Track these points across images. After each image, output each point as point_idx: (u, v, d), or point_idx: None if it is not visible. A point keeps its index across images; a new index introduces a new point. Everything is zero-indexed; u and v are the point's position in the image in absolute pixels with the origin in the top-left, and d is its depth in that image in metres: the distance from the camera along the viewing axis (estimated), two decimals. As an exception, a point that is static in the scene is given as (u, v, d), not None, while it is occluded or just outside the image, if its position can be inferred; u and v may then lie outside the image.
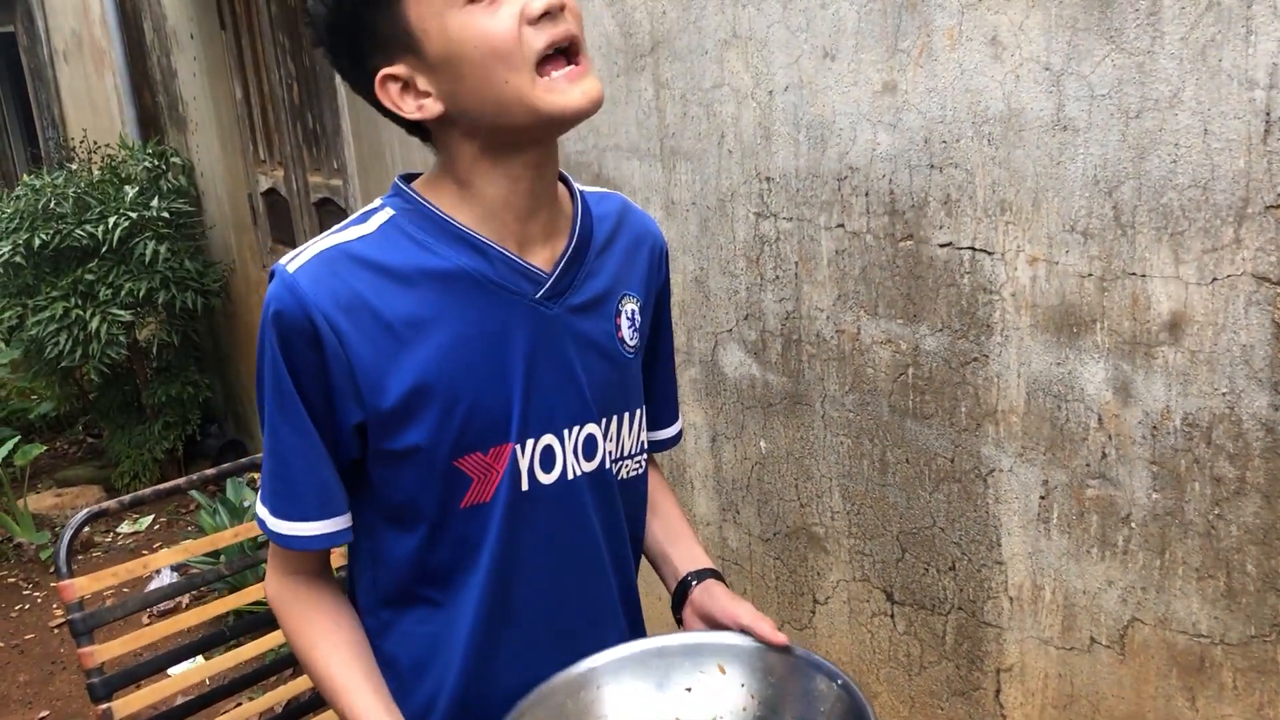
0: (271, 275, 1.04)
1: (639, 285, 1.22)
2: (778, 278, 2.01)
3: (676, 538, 1.33)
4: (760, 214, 2.00)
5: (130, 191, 4.74)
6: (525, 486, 1.11)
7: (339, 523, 1.10)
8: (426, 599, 1.14)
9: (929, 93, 1.63)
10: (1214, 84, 1.31)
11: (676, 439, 1.41)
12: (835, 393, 1.95)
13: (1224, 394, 1.39)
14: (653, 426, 1.35)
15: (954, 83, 1.59)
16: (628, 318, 1.19)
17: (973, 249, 1.64)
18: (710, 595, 1.22)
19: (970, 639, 1.83)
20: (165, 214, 4.83)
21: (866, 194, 1.78)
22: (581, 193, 1.19)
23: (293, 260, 1.04)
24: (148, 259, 4.71)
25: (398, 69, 1.01)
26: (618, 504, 1.22)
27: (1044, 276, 1.55)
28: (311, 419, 1.05)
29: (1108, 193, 1.44)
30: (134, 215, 4.66)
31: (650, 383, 1.31)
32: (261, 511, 1.10)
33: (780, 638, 1.13)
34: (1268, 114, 1.27)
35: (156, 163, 5.21)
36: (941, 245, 1.68)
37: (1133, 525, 1.54)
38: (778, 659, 1.14)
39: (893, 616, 1.97)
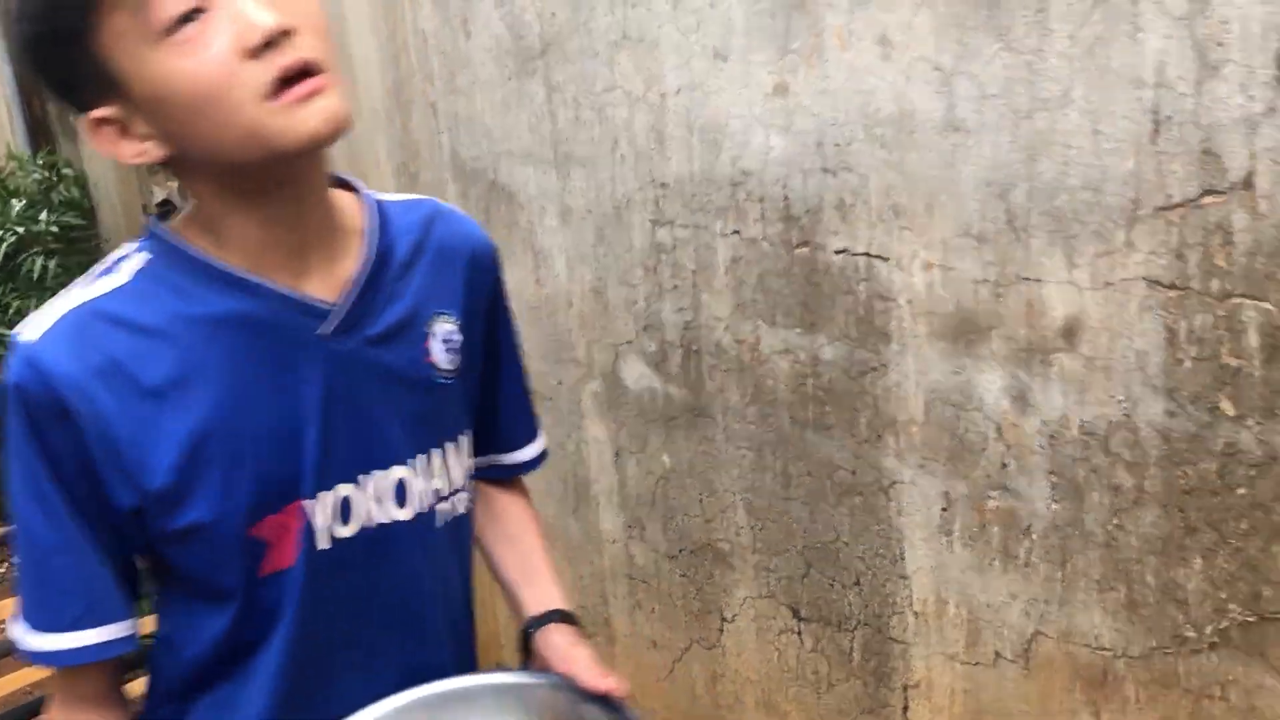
0: (10, 346, 0.92)
1: (454, 301, 1.10)
2: (676, 287, 1.94)
3: (531, 575, 1.23)
4: (656, 221, 1.94)
5: (17, 205, 4.54)
6: (324, 544, 1.00)
7: (117, 630, 0.97)
8: (222, 682, 1.03)
9: (821, 94, 1.58)
10: (1103, 83, 1.27)
11: (540, 459, 1.30)
12: (736, 404, 1.89)
13: (1120, 401, 1.35)
14: (507, 448, 1.26)
15: (845, 84, 1.54)
16: (441, 340, 1.08)
17: (868, 255, 1.59)
18: (548, 644, 1.12)
19: (877, 655, 1.79)
20: (55, 228, 4.63)
21: (761, 199, 1.72)
22: (381, 205, 1.07)
23: (33, 327, 0.92)
24: (36, 275, 4.51)
25: (108, 111, 0.89)
26: (444, 548, 1.12)
27: (939, 283, 1.51)
28: (74, 509, 0.93)
29: (1000, 196, 1.40)
30: (21, 230, 4.46)
31: (493, 403, 1.22)
32: (18, 630, 0.96)
33: (605, 685, 1.03)
34: (1155, 113, 1.23)
35: (47, 174, 5.01)
36: (837, 252, 1.63)
37: (1033, 537, 1.50)
38: (565, 702, 1.05)
39: (800, 634, 1.92)
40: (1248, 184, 1.18)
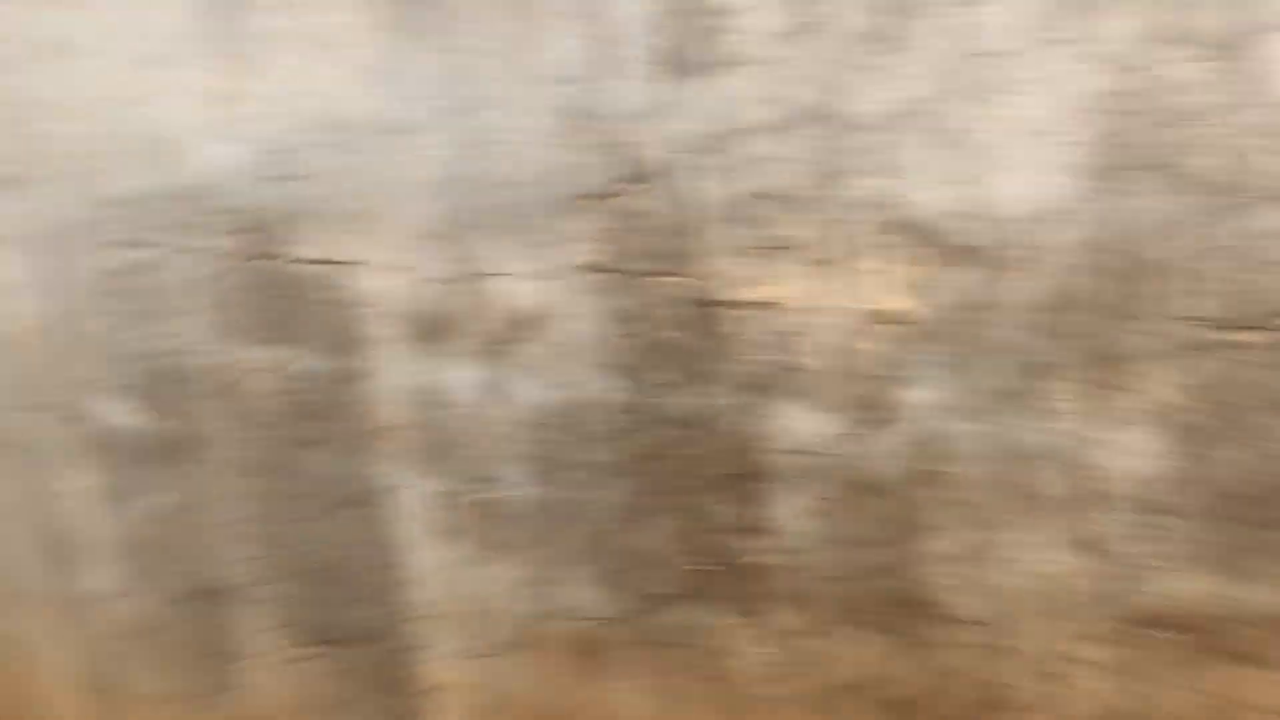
0: None
1: None
2: (144, 313, 1.81)
3: None
4: (114, 243, 1.79)
5: None
6: None
7: None
8: None
9: (266, 100, 1.53)
10: (526, 82, 1.33)
11: None
12: (224, 431, 1.80)
13: (577, 382, 1.43)
14: None
15: (290, 88, 1.51)
16: None
17: (333, 262, 1.57)
18: None
19: (395, 665, 1.77)
20: None
21: (221, 212, 1.64)
22: None
23: None
24: None
25: None
26: None
27: (404, 285, 1.51)
28: None
29: (450, 195, 1.43)
30: None
31: None
32: None
33: None
34: (569, 109, 1.31)
35: None
36: (303, 261, 1.59)
37: (521, 522, 1.55)
38: None
39: (316, 659, 1.85)
40: (653, 171, 1.28)
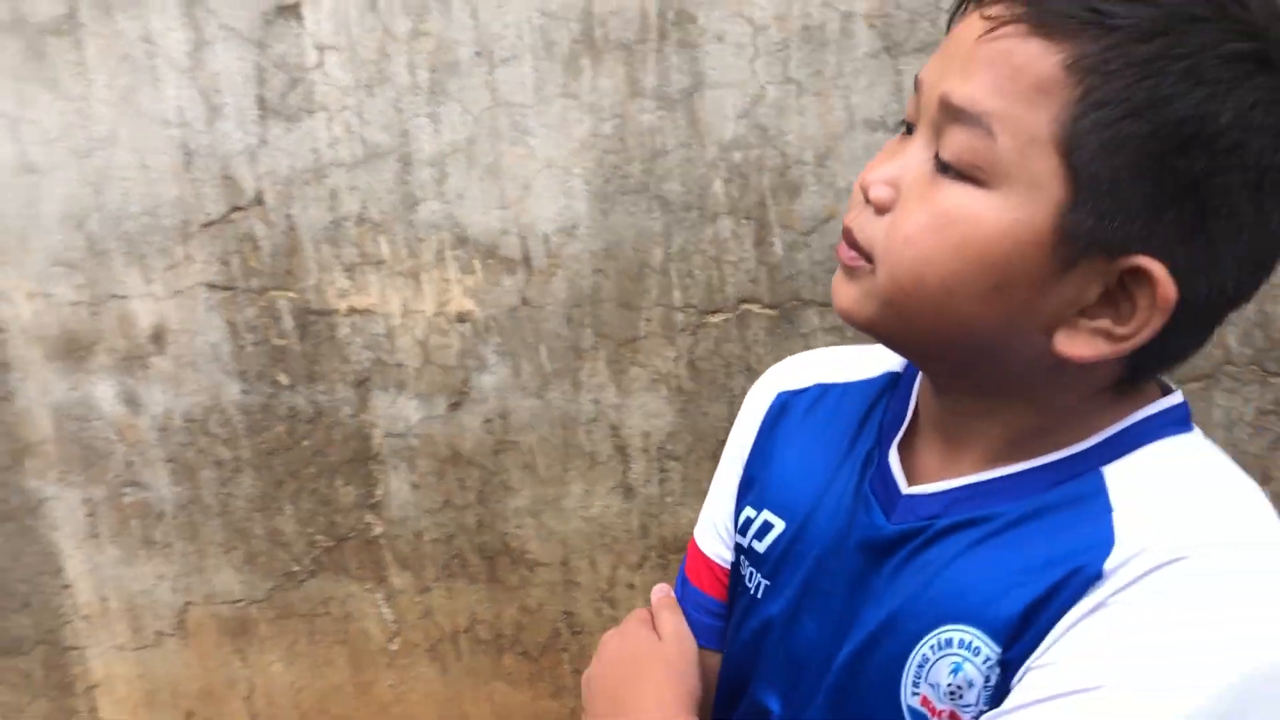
0: None
1: None
2: None
3: None
4: None
5: None
6: None
7: None
8: None
9: (-103, 142, 1.64)
10: (141, 124, 1.51)
11: None
12: None
13: (207, 388, 1.61)
14: None
15: (-81, 132, 1.62)
16: None
17: (-26, 291, 1.68)
18: None
19: (58, 669, 1.88)
20: None
21: None
22: None
23: None
24: None
25: None
26: None
27: (43, 309, 1.65)
28: None
29: (79, 226, 1.59)
30: None
31: None
32: None
33: None
34: (185, 147, 1.50)
35: None
36: (-56, 291, 1.70)
37: (167, 520, 1.71)
38: None
39: (-20, 673, 1.93)
40: (259, 200, 1.50)
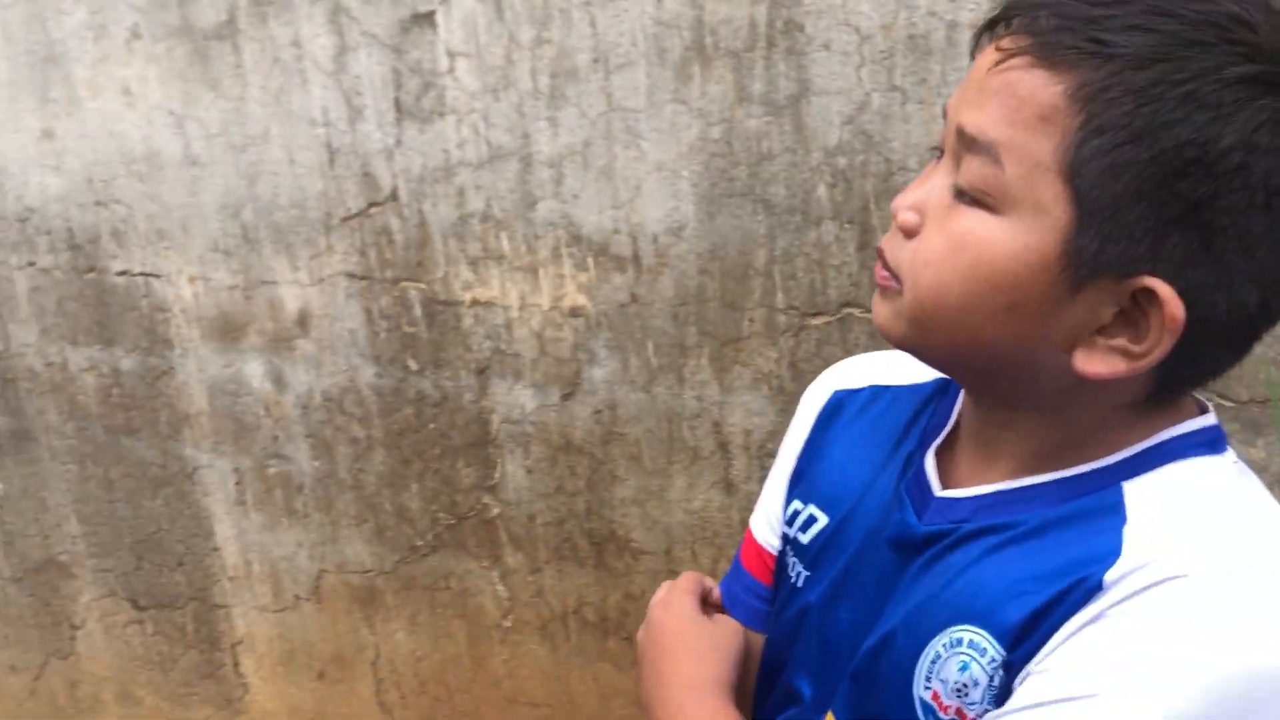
0: None
1: None
2: (-17, 320, 2.06)
3: None
4: (-45, 260, 2.04)
5: None
6: None
7: None
8: None
9: (82, 137, 1.81)
10: (290, 123, 1.63)
11: None
12: (55, 423, 2.05)
13: (345, 370, 1.73)
14: None
15: (101, 128, 1.78)
16: None
17: (144, 274, 1.84)
18: None
19: (206, 624, 2.04)
20: None
21: (48, 232, 1.91)
22: None
23: None
24: None
25: None
26: None
27: (203, 292, 1.80)
28: None
29: (234, 216, 1.72)
30: None
31: None
32: None
33: None
34: (329, 145, 1.61)
35: None
36: (119, 273, 1.87)
37: (306, 491, 1.84)
38: None
39: (142, 622, 2.11)
40: (394, 196, 1.60)
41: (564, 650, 1.73)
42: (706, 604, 0.87)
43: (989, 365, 0.65)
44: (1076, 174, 0.56)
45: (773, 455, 1.47)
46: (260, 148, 1.67)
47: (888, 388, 0.83)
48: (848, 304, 1.38)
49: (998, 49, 0.59)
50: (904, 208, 0.65)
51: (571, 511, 1.63)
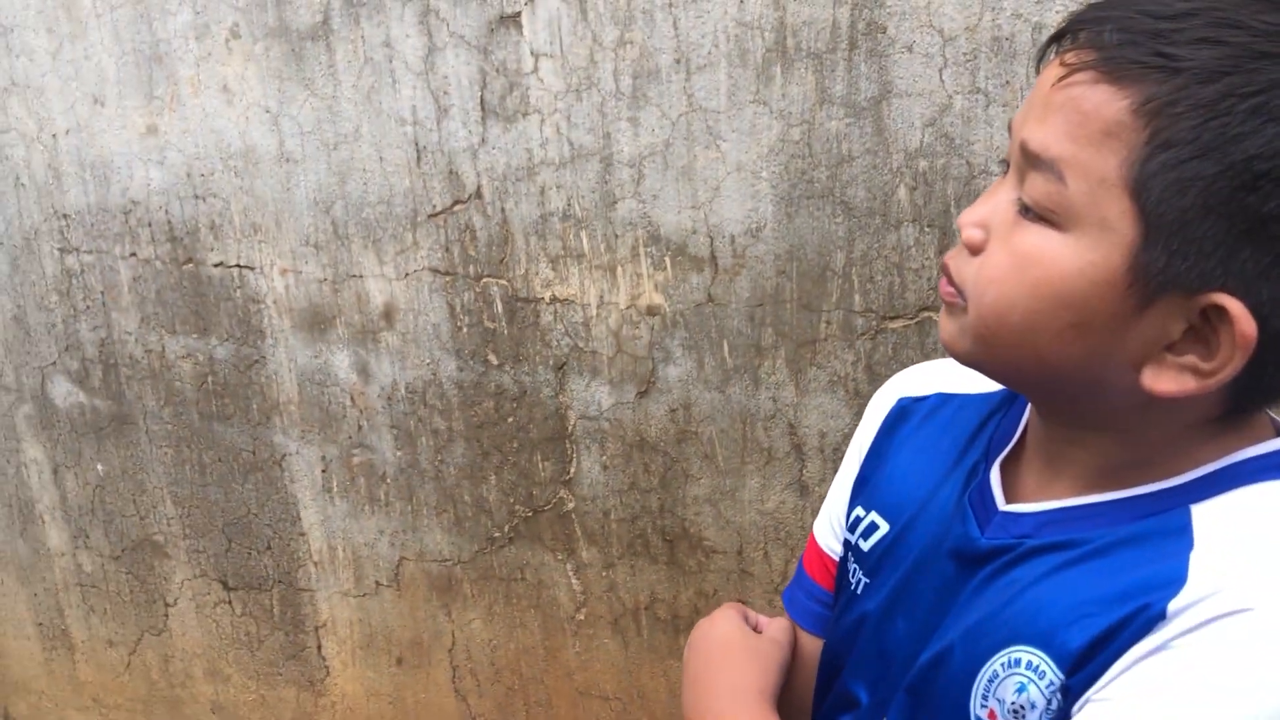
0: None
1: None
2: (88, 307, 2.14)
3: None
4: (64, 249, 2.13)
5: None
6: None
7: None
8: None
9: (184, 133, 1.87)
10: (380, 121, 1.67)
11: None
12: (154, 408, 2.13)
13: (428, 364, 1.76)
14: None
15: (201, 124, 1.85)
16: None
17: (239, 266, 1.90)
18: None
19: (292, 607, 2.10)
20: None
21: (150, 224, 1.98)
22: None
23: None
24: None
25: None
26: None
27: (294, 284, 1.85)
28: None
29: (325, 211, 1.77)
30: None
31: None
32: None
33: None
34: (416, 144, 1.65)
35: None
36: (215, 265, 1.93)
37: (388, 481, 1.88)
38: None
39: (231, 603, 2.18)
40: (478, 194, 1.62)
41: (635, 645, 1.75)
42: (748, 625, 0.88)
43: (1055, 383, 0.64)
44: (1142, 189, 0.55)
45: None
46: (351, 145, 1.71)
47: (954, 396, 0.82)
48: (926, 308, 1.37)
49: (1062, 64, 0.59)
50: (969, 224, 0.65)
51: (645, 508, 1.65)
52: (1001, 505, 0.71)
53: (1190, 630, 0.56)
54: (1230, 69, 0.54)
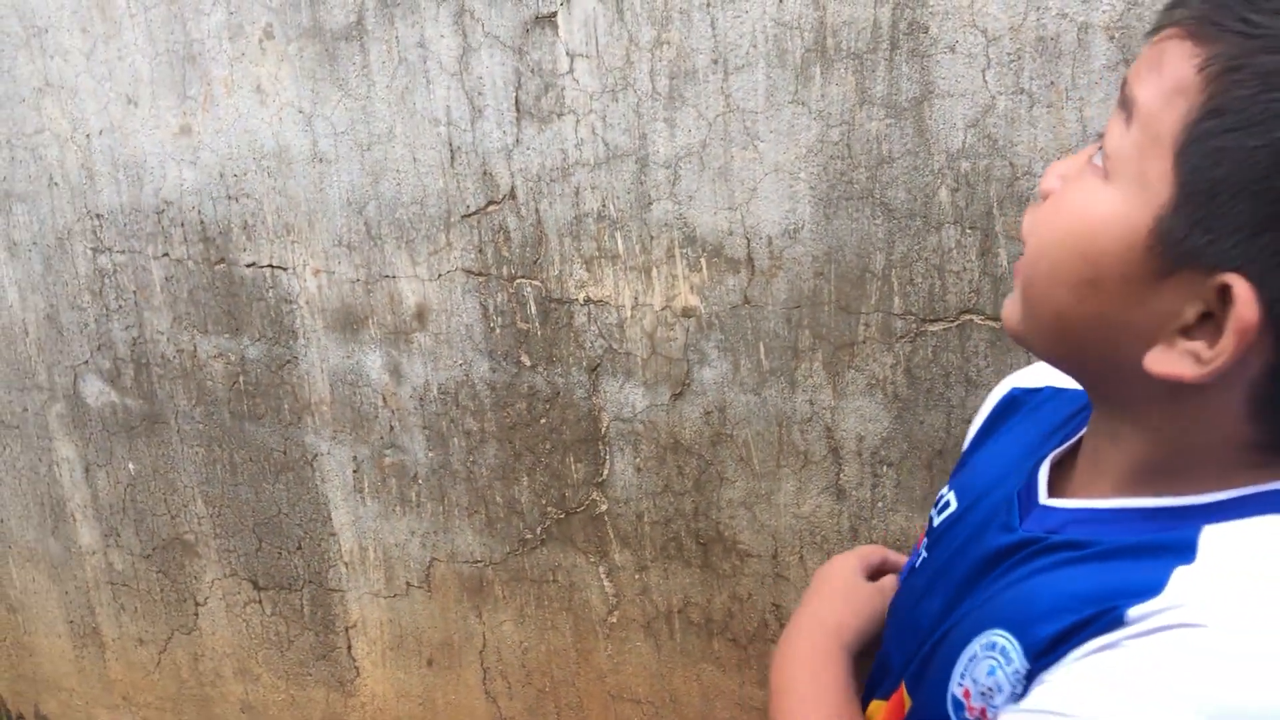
0: None
1: None
2: (120, 307, 2.15)
3: None
4: (96, 249, 2.14)
5: None
6: None
7: None
8: None
9: (217, 133, 1.87)
10: (414, 122, 1.67)
11: None
12: (185, 407, 2.13)
13: (461, 364, 1.76)
14: None
15: (234, 124, 1.85)
16: None
17: (271, 266, 1.90)
18: None
19: (322, 607, 2.10)
20: None
21: (182, 224, 1.99)
22: None
23: None
24: None
25: None
26: None
27: (326, 285, 1.85)
28: None
29: (358, 212, 1.77)
30: None
31: None
32: None
33: None
34: (450, 145, 1.64)
35: None
36: (247, 265, 1.93)
37: (420, 481, 1.88)
38: None
39: (261, 602, 2.19)
40: (512, 195, 1.62)
41: (668, 649, 1.74)
42: (880, 573, 0.93)
43: (1078, 353, 0.64)
44: (1185, 153, 0.54)
45: (886, 462, 1.46)
46: (385, 146, 1.71)
47: (1062, 391, 0.83)
48: (966, 310, 1.35)
49: (1165, 20, 0.58)
50: (1050, 173, 0.65)
51: (679, 511, 1.64)
52: (1042, 499, 0.71)
53: (1141, 634, 0.56)
54: None
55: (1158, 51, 0.57)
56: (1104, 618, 0.58)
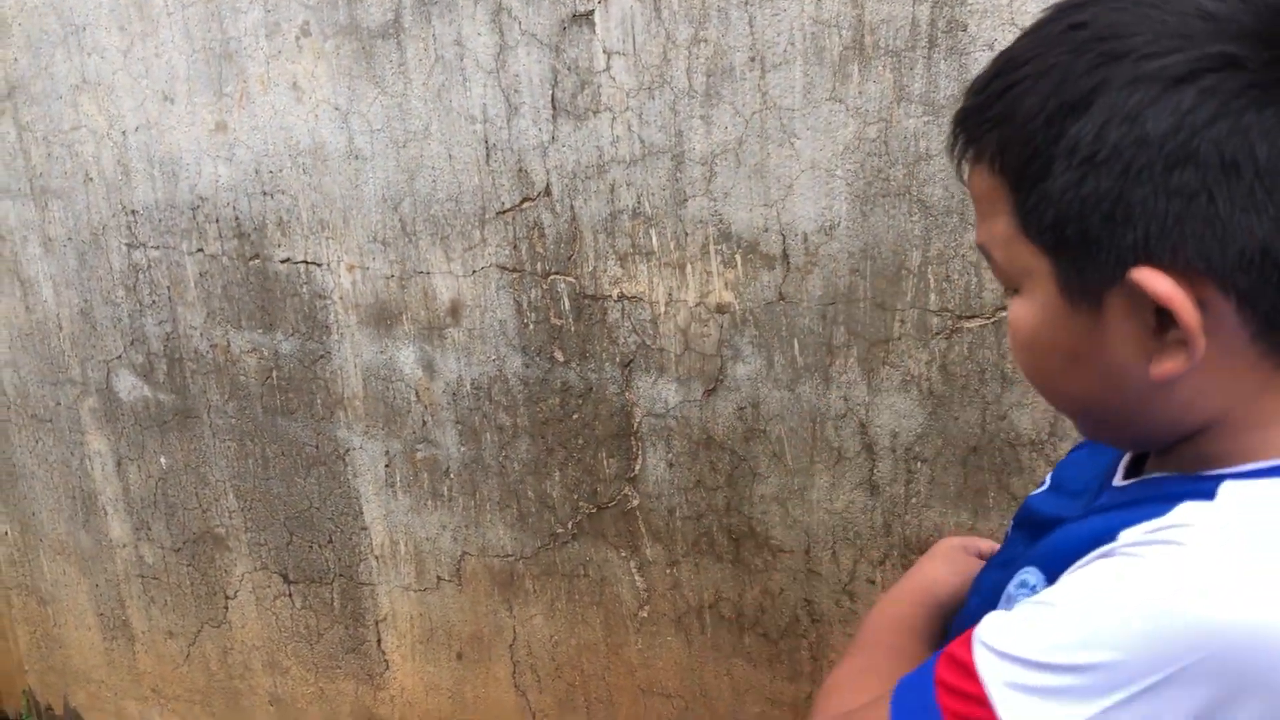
0: None
1: None
2: (154, 302, 2.17)
3: None
4: (131, 244, 2.16)
5: None
6: None
7: None
8: None
9: (253, 130, 1.89)
10: (450, 120, 1.68)
11: None
12: (218, 402, 2.15)
13: (494, 360, 1.77)
14: None
15: (270, 121, 1.87)
16: None
17: (306, 262, 1.92)
18: None
19: (352, 600, 2.12)
20: None
21: (217, 220, 2.01)
22: None
23: None
24: None
25: None
26: None
27: (360, 280, 1.87)
28: None
29: (394, 209, 1.78)
30: None
31: None
32: None
33: None
34: (486, 142, 1.66)
35: None
36: (282, 261, 1.95)
37: (452, 476, 1.89)
38: None
39: (291, 595, 2.20)
40: (547, 192, 1.63)
41: (699, 644, 1.75)
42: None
43: (1106, 416, 0.69)
44: (1028, 227, 0.63)
45: (920, 458, 1.46)
46: (420, 143, 1.72)
47: None
48: (1002, 308, 1.36)
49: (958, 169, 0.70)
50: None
51: (711, 506, 1.65)
52: (1116, 481, 0.74)
53: (1131, 544, 0.60)
54: (1037, 97, 0.61)
55: (971, 188, 0.68)
56: (1105, 542, 0.62)
